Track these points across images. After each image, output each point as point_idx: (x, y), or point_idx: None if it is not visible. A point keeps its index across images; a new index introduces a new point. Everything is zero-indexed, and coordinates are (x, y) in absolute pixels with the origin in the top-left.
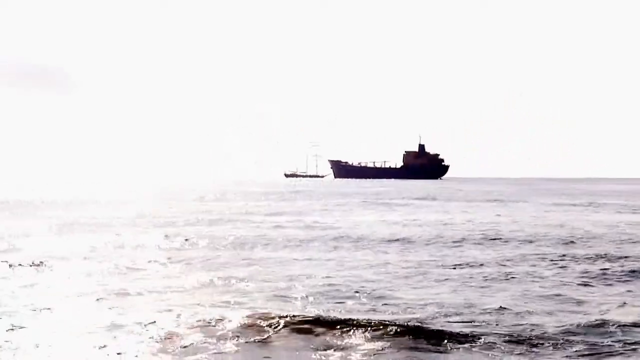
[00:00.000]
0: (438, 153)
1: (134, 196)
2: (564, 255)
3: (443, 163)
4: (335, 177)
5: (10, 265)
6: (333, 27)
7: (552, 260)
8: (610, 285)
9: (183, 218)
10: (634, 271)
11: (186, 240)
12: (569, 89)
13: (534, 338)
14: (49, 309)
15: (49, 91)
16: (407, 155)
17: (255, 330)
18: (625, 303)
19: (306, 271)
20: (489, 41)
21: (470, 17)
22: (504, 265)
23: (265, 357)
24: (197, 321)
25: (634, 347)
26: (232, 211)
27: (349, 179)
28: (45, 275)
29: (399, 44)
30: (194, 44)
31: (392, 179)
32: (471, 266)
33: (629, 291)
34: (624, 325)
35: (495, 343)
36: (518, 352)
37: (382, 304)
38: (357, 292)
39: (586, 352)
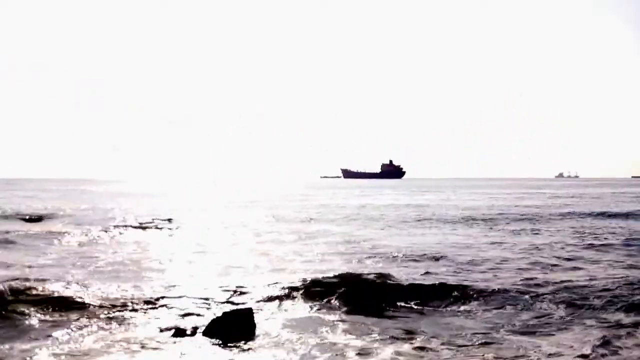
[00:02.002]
0: (399, 164)
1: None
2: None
3: (402, 170)
4: (344, 178)
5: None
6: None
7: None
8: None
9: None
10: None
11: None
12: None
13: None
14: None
15: (174, 124)
16: (383, 165)
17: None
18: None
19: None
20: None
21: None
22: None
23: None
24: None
25: None
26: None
27: (352, 179)
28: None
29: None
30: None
31: (375, 179)
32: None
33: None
34: None
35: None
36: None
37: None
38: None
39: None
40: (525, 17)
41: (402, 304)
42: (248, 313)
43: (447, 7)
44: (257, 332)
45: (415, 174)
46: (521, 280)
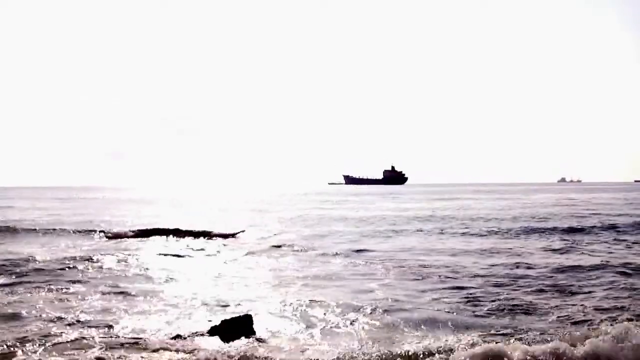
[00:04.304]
0: (402, 170)
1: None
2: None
3: (405, 176)
4: (346, 184)
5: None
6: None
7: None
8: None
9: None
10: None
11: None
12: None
13: None
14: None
15: (183, 133)
16: (385, 172)
17: None
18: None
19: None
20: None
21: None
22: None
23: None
24: None
25: None
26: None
27: (355, 185)
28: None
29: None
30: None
31: (378, 185)
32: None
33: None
34: None
35: None
36: None
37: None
38: None
39: None
40: (526, 19)
41: None
42: (247, 320)
43: (448, 10)
44: (257, 338)
45: (417, 179)
46: None
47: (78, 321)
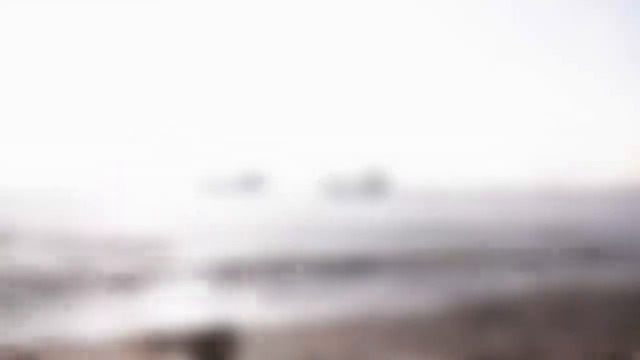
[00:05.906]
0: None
1: None
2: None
3: (385, 182)
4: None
5: None
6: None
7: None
8: None
9: None
10: None
11: None
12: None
13: None
14: None
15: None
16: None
17: None
18: None
19: None
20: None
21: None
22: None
23: None
24: None
25: None
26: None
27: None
28: None
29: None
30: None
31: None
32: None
33: None
34: None
35: None
36: None
37: None
38: None
39: None
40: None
41: None
42: (230, 329)
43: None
44: (241, 348)
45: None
46: None
47: None
